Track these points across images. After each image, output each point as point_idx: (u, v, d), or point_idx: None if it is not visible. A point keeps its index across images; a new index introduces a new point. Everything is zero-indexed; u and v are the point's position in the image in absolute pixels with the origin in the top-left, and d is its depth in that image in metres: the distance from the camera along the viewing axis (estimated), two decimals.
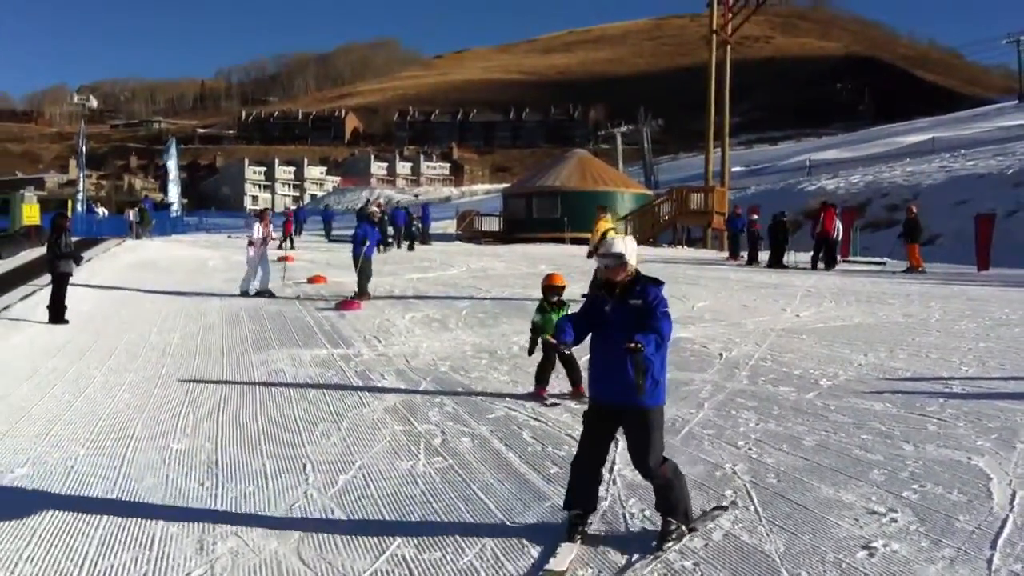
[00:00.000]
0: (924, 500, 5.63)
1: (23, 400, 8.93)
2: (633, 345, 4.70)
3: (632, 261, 5.12)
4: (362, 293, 16.71)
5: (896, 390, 8.77)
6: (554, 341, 5.24)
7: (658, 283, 5.13)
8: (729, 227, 31.18)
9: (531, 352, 8.66)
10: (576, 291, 8.49)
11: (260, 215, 20.17)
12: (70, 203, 48.93)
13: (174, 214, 53.00)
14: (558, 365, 8.70)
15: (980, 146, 54.04)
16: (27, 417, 8.23)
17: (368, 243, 17.15)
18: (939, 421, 7.52)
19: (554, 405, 8.03)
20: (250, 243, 18.37)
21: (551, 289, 8.72)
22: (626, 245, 5.15)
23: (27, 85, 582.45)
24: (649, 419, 4.98)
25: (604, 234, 18.01)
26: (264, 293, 17.67)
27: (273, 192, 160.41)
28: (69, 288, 14.42)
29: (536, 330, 8.57)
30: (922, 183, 43.97)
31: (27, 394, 9.23)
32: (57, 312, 14.13)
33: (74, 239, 15.44)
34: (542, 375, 8.63)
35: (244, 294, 17.73)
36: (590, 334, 5.19)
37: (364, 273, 16.93)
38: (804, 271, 23.53)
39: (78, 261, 14.72)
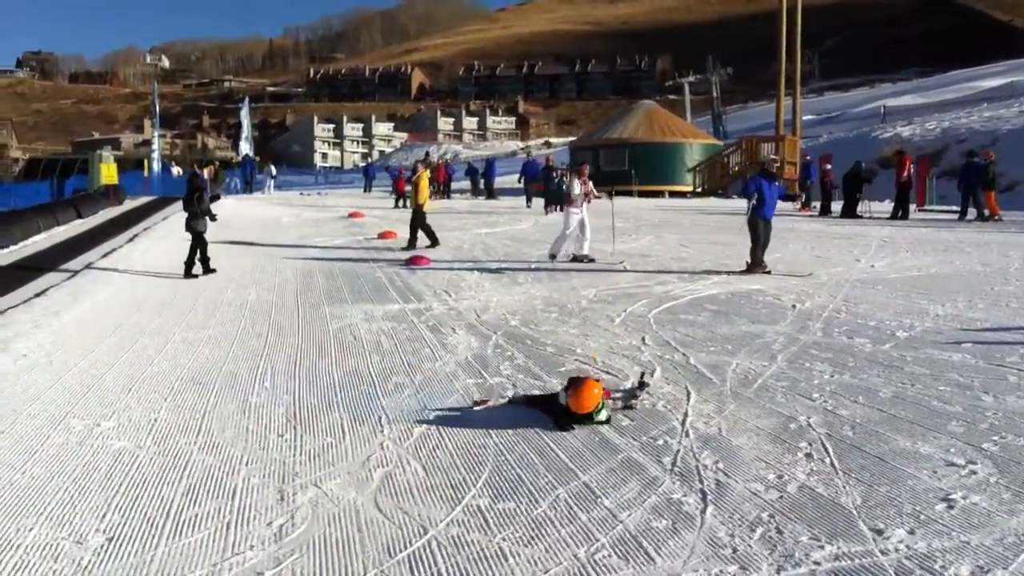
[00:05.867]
0: (1004, 451, 5.53)
1: (108, 354, 9.20)
2: None
3: None
4: (755, 264, 13.69)
5: (975, 340, 8.59)
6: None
7: None
8: (801, 176, 30.66)
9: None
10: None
11: (578, 171, 16.75)
12: (145, 162, 49.77)
13: (272, 178, 50.51)
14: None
15: None
16: (112, 371, 8.48)
17: (767, 201, 13.69)
18: (1019, 372, 7.36)
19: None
20: (570, 202, 15.79)
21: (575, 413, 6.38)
22: None
23: (100, 47, 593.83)
24: None
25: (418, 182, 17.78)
26: (582, 259, 15.34)
27: (342, 149, 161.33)
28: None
29: None
30: (1000, 128, 42.57)
31: (111, 348, 9.50)
32: (204, 266, 14.75)
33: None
34: None
35: (551, 257, 15.58)
36: None
37: (758, 237, 13.71)
38: (878, 221, 23.05)
39: (213, 218, 15.12)
